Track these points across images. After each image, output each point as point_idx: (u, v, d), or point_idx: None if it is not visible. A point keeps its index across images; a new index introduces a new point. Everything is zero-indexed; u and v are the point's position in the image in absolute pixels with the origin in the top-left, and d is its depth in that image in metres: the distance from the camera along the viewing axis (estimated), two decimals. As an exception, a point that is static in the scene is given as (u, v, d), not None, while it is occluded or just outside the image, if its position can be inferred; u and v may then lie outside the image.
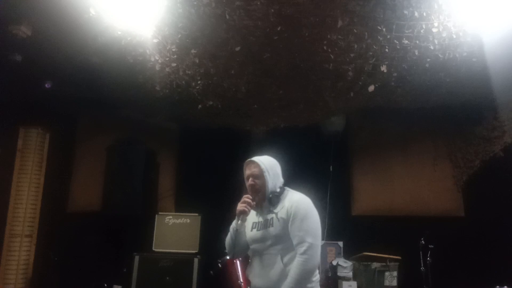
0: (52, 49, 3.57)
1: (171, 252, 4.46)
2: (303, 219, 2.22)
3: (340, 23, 2.84)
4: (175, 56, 3.36)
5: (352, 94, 3.77)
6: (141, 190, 4.84)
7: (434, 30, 2.93)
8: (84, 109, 5.21)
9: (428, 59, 3.27)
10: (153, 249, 4.52)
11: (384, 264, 4.17)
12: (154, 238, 4.55)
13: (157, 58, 3.39)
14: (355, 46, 3.08)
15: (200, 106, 4.07)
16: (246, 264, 3.65)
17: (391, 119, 4.92)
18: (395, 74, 3.48)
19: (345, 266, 4.21)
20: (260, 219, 2.33)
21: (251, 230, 2.35)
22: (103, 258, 4.65)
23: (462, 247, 4.42)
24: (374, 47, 3.10)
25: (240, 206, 2.30)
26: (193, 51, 3.29)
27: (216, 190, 4.85)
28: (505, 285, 3.49)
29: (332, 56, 3.18)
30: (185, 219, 4.63)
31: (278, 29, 2.93)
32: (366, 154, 5.19)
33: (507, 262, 4.00)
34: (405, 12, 2.77)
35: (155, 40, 3.21)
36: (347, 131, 5.16)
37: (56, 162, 4.99)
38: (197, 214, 4.64)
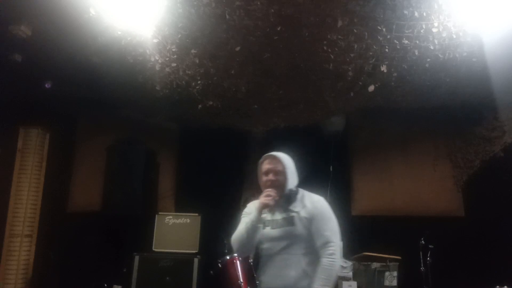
0: (52, 49, 3.57)
1: (171, 252, 4.46)
2: (328, 220, 2.20)
3: (340, 23, 2.84)
4: (175, 56, 3.36)
5: (352, 94, 3.77)
6: (141, 190, 4.84)
7: (434, 30, 2.93)
8: (84, 109, 5.20)
9: (428, 59, 3.27)
10: (153, 249, 4.52)
11: (384, 264, 4.17)
12: (154, 238, 4.55)
13: (157, 58, 3.39)
14: (355, 46, 3.08)
15: (200, 106, 4.07)
16: (246, 264, 3.65)
17: (391, 119, 4.91)
18: (395, 74, 3.48)
19: (345, 266, 4.21)
20: (276, 217, 2.25)
21: (264, 228, 2.25)
22: (103, 258, 4.65)
23: (462, 247, 4.42)
24: (374, 47, 3.10)
25: (264, 199, 2.18)
26: (193, 51, 3.29)
27: (216, 190, 4.85)
28: (505, 285, 3.49)
29: (332, 56, 3.18)
30: (185, 219, 4.63)
31: (278, 29, 2.93)
32: (366, 154, 5.19)
33: (507, 262, 4.00)
34: (405, 12, 2.77)
35: (155, 40, 3.21)
36: (347, 131, 5.16)
37: (56, 162, 4.99)
38: (197, 214, 4.64)
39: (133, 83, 3.88)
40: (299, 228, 2.17)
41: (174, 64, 3.46)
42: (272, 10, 2.77)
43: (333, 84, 3.66)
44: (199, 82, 3.71)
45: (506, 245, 4.17)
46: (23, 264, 4.53)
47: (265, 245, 2.25)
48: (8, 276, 4.40)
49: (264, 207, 2.17)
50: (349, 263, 4.25)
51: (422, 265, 4.16)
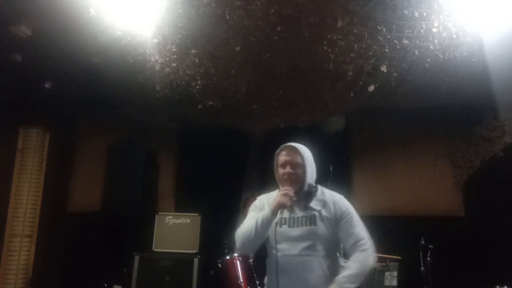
0: (52, 49, 3.58)
1: (171, 252, 4.46)
2: (354, 217, 2.11)
3: (340, 23, 2.84)
4: (175, 56, 3.36)
5: (352, 94, 3.77)
6: (141, 190, 4.84)
7: (434, 30, 2.93)
8: (84, 109, 5.21)
9: (428, 59, 3.27)
10: (153, 249, 4.52)
11: (384, 264, 4.16)
12: (154, 238, 4.55)
13: (157, 58, 3.39)
14: (355, 46, 3.08)
15: (200, 106, 4.07)
16: (246, 264, 3.65)
17: (391, 119, 4.92)
18: (395, 74, 3.48)
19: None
20: (295, 215, 2.05)
21: (280, 226, 2.02)
22: (103, 258, 4.65)
23: (462, 247, 4.42)
24: (374, 47, 3.11)
25: (282, 198, 1.95)
26: (193, 51, 3.29)
27: (216, 190, 4.85)
28: (505, 285, 3.49)
29: (332, 56, 3.18)
30: (185, 219, 4.63)
31: (278, 29, 2.93)
32: (366, 154, 5.19)
33: (507, 262, 4.00)
34: (405, 12, 2.77)
35: (155, 40, 3.21)
36: (347, 131, 5.16)
37: (56, 162, 4.99)
38: (197, 214, 4.63)
39: (133, 83, 3.88)
40: (322, 228, 2.01)
41: (174, 64, 3.46)
42: (272, 10, 2.77)
43: (333, 84, 3.66)
44: (199, 82, 3.71)
45: (506, 245, 4.17)
46: (23, 264, 4.53)
47: (282, 245, 2.01)
48: (8, 276, 4.40)
49: (280, 206, 1.96)
50: (349, 263, 4.24)
51: (422, 265, 4.16)
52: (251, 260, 3.57)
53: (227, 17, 2.84)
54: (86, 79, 4.09)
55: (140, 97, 4.26)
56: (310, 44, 3.11)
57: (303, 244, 1.99)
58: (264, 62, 3.38)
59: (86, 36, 3.26)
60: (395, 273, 4.17)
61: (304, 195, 2.08)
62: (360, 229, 2.08)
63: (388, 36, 2.99)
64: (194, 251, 4.45)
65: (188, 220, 4.63)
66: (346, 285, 1.90)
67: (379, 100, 4.13)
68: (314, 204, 2.08)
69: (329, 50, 3.13)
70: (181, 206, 5.13)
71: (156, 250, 4.51)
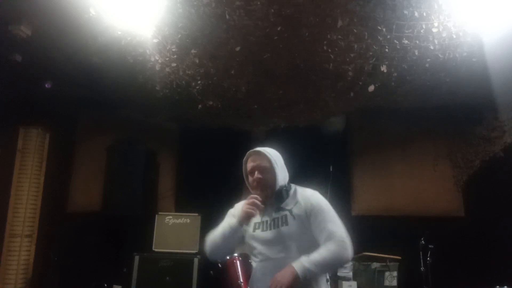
0: (52, 49, 3.58)
1: (171, 252, 4.45)
2: (327, 212, 1.98)
3: (340, 23, 2.84)
4: (175, 56, 3.36)
5: (352, 94, 3.77)
6: (141, 190, 4.84)
7: (434, 30, 2.93)
8: (84, 109, 5.21)
9: (428, 59, 3.27)
10: (153, 249, 4.52)
11: (384, 264, 4.17)
12: (154, 238, 4.55)
13: (157, 58, 3.39)
14: (355, 46, 3.08)
15: (200, 106, 4.07)
16: (246, 264, 3.65)
17: (391, 119, 4.92)
18: (395, 74, 3.48)
19: (345, 266, 4.21)
20: (266, 218, 2.02)
21: (254, 231, 2.02)
22: (103, 258, 4.64)
23: (462, 247, 4.42)
24: (374, 47, 3.10)
25: (247, 208, 1.92)
26: (193, 51, 3.29)
27: (216, 190, 4.85)
28: (505, 285, 3.49)
29: (332, 56, 3.18)
30: (185, 219, 4.63)
31: (278, 29, 2.93)
32: (366, 154, 5.19)
33: (507, 262, 4.00)
34: (405, 12, 2.77)
35: (155, 40, 3.21)
36: (347, 131, 5.16)
37: (56, 162, 4.99)
38: (197, 214, 4.63)
39: (133, 83, 3.88)
40: (293, 227, 1.95)
41: (174, 64, 3.46)
42: (272, 10, 2.76)
43: (333, 84, 3.66)
44: (199, 82, 3.71)
45: (506, 245, 4.17)
46: (23, 264, 4.53)
47: (257, 250, 2.00)
48: (8, 276, 4.40)
49: (247, 217, 1.92)
50: (349, 263, 4.25)
51: (422, 265, 4.16)
52: (251, 260, 3.57)
53: (227, 17, 2.84)
54: (86, 79, 4.09)
55: (140, 97, 4.26)
56: (310, 44, 3.11)
57: (277, 247, 1.95)
58: (264, 62, 3.38)
59: (86, 36, 3.26)
60: (395, 273, 4.17)
61: (276, 197, 2.03)
62: (333, 224, 1.97)
63: (388, 36, 2.99)
64: (194, 251, 4.45)
65: (188, 220, 4.62)
66: (308, 265, 1.81)
67: (379, 100, 4.13)
68: (285, 204, 2.03)
69: (329, 50, 3.13)
70: (181, 206, 5.13)
71: (156, 250, 4.51)
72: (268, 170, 2.04)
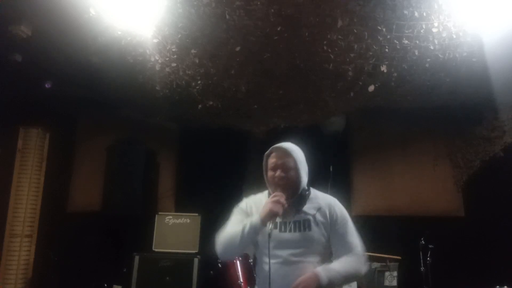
0: (52, 49, 3.58)
1: (171, 252, 4.46)
2: (349, 224, 1.96)
3: (340, 23, 2.84)
4: (175, 56, 3.36)
5: (352, 94, 3.77)
6: (141, 190, 4.84)
7: (434, 30, 2.93)
8: (84, 109, 5.21)
9: (428, 59, 3.27)
10: (153, 249, 4.52)
11: (384, 264, 4.16)
12: (154, 238, 4.55)
13: (157, 58, 3.39)
14: (355, 46, 3.08)
15: (200, 106, 4.07)
16: (246, 264, 3.65)
17: (391, 119, 4.91)
18: (395, 74, 3.48)
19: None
20: (288, 219, 1.93)
21: (271, 231, 1.88)
22: (103, 258, 4.64)
23: (462, 247, 4.42)
24: (374, 47, 3.10)
25: (273, 206, 1.81)
26: (193, 51, 3.29)
27: (216, 190, 4.85)
28: (505, 285, 3.49)
29: (332, 56, 3.18)
30: (185, 219, 4.63)
31: (278, 29, 2.93)
32: (366, 154, 5.19)
33: (507, 262, 4.00)
34: (405, 12, 2.77)
35: (155, 40, 3.21)
36: (347, 131, 5.16)
37: (56, 162, 4.99)
38: (197, 214, 4.64)
39: (133, 83, 3.88)
40: (316, 233, 1.90)
41: (174, 64, 3.46)
42: (272, 10, 2.77)
43: (333, 84, 3.66)
44: (199, 82, 3.71)
45: (506, 245, 4.17)
46: (23, 264, 4.53)
47: (273, 251, 1.88)
48: (8, 276, 4.40)
49: (272, 215, 1.82)
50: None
51: (422, 265, 4.16)
52: (251, 260, 3.57)
53: (227, 17, 2.84)
54: (86, 79, 4.09)
55: (140, 97, 4.26)
56: (310, 44, 3.11)
57: (296, 250, 1.89)
58: (264, 62, 3.38)
59: (86, 36, 3.26)
60: (395, 273, 4.17)
61: (297, 199, 1.95)
62: (355, 238, 1.95)
63: (388, 36, 2.99)
64: (194, 251, 4.45)
65: (188, 220, 4.63)
66: (332, 274, 1.79)
67: (379, 100, 4.13)
68: (307, 208, 1.95)
69: (329, 50, 3.13)
70: (181, 206, 5.13)
71: (156, 250, 4.51)
72: (292, 170, 1.95)
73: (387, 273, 4.15)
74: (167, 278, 4.29)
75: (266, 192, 2.06)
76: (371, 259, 4.23)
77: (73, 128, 5.45)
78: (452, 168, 5.05)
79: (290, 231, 1.91)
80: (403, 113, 4.63)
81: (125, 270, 4.40)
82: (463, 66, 3.38)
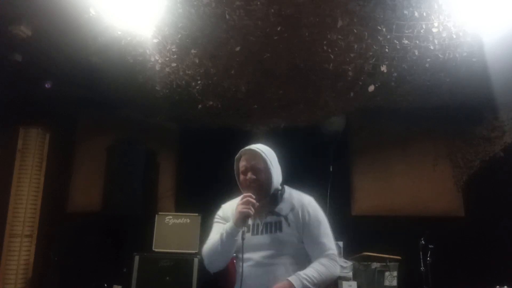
0: (52, 49, 3.58)
1: (171, 252, 4.45)
2: (323, 224, 1.92)
3: (340, 23, 2.84)
4: (175, 56, 3.36)
5: (352, 94, 3.77)
6: (141, 190, 4.84)
7: (434, 30, 2.93)
8: (84, 109, 5.21)
9: (428, 59, 3.27)
10: (153, 249, 4.52)
11: (384, 264, 4.16)
12: (154, 238, 4.55)
13: (157, 58, 3.39)
14: (355, 46, 3.08)
15: (200, 106, 4.07)
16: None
17: (391, 119, 4.92)
18: (395, 74, 3.48)
19: (345, 266, 4.21)
20: (258, 221, 1.92)
21: (244, 234, 1.89)
22: (103, 258, 4.65)
23: (462, 247, 4.42)
24: (374, 47, 3.10)
25: (242, 208, 1.81)
26: (193, 51, 3.29)
27: (216, 190, 4.83)
28: (505, 285, 3.49)
29: (332, 56, 3.18)
30: (185, 219, 4.63)
31: (278, 29, 2.93)
32: (366, 154, 5.19)
33: (507, 262, 4.00)
34: (405, 12, 2.77)
35: (155, 40, 3.21)
36: (347, 131, 5.16)
37: (56, 162, 4.99)
38: (197, 214, 4.63)
39: (133, 83, 3.88)
40: (287, 234, 1.87)
41: (174, 64, 3.46)
42: (272, 10, 2.76)
43: (333, 84, 3.66)
44: (199, 82, 3.71)
45: (506, 245, 4.18)
46: (23, 264, 4.53)
47: (246, 254, 1.87)
48: (8, 276, 4.40)
49: (243, 217, 1.80)
50: (349, 263, 4.25)
51: (422, 265, 4.16)
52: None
53: (227, 17, 2.84)
54: (86, 79, 4.09)
55: (140, 97, 4.25)
56: (310, 44, 3.10)
57: (267, 252, 1.86)
58: (264, 62, 3.38)
59: (86, 36, 3.26)
60: (395, 273, 4.17)
61: (269, 200, 1.93)
62: (328, 239, 1.90)
63: (388, 36, 2.99)
64: (194, 251, 4.45)
65: (188, 220, 4.62)
66: (306, 281, 1.76)
67: (379, 100, 4.13)
68: (280, 208, 1.92)
69: (329, 50, 3.12)
70: (181, 206, 5.13)
71: (156, 250, 4.51)
72: (262, 171, 1.93)
73: (387, 273, 4.15)
74: (167, 278, 4.29)
75: (241, 197, 2.01)
76: (371, 259, 4.23)
77: (73, 128, 5.45)
78: (452, 168, 5.05)
79: (261, 233, 1.89)
80: (403, 113, 4.63)
81: (125, 270, 4.40)
82: (463, 66, 3.38)
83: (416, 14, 2.78)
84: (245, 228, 1.83)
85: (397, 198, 4.98)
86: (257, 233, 1.90)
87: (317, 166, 4.96)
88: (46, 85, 4.24)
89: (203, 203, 4.78)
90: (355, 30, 2.93)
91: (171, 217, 4.67)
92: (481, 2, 2.84)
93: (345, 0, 2.70)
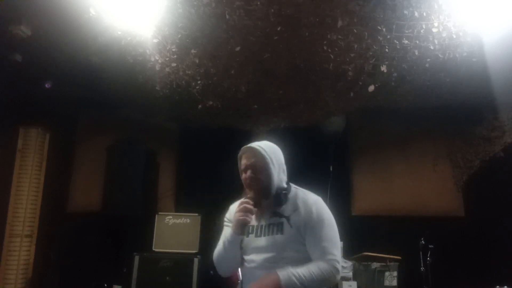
0: (52, 49, 3.58)
1: (171, 252, 4.45)
2: (326, 226, 1.79)
3: (340, 23, 2.84)
4: (175, 56, 3.36)
5: (352, 94, 3.77)
6: (141, 190, 4.84)
7: (434, 30, 2.93)
8: (84, 109, 5.21)
9: (428, 59, 3.27)
10: (153, 249, 4.52)
11: (384, 264, 4.16)
12: (154, 238, 4.55)
13: (157, 58, 3.39)
14: (355, 46, 3.08)
15: (200, 106, 4.07)
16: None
17: (391, 119, 4.92)
18: (395, 74, 3.49)
19: (345, 266, 4.21)
20: (262, 222, 1.84)
21: (247, 236, 1.83)
22: (103, 258, 4.64)
23: (462, 247, 4.42)
24: (374, 47, 3.11)
25: (239, 216, 1.74)
26: (193, 51, 3.29)
27: (216, 190, 4.85)
28: (505, 285, 3.49)
29: (332, 56, 3.18)
30: (185, 219, 4.63)
31: (278, 29, 2.93)
32: (366, 154, 5.19)
33: (507, 262, 4.00)
34: (405, 12, 2.77)
35: (155, 40, 3.21)
36: (347, 131, 5.16)
37: (56, 162, 4.99)
38: (197, 214, 4.63)
39: (133, 83, 3.88)
40: (289, 236, 1.77)
41: (174, 64, 3.46)
42: (272, 10, 2.77)
43: (333, 84, 3.66)
44: (199, 82, 3.71)
45: (506, 245, 4.18)
46: (23, 264, 4.53)
47: (249, 256, 1.82)
48: (8, 276, 4.40)
49: (241, 225, 1.74)
50: (349, 263, 4.25)
51: (422, 265, 4.16)
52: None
53: (227, 17, 2.84)
54: (86, 79, 4.09)
55: (140, 97, 4.26)
56: (310, 44, 3.11)
57: (268, 255, 1.77)
58: (264, 62, 3.38)
59: (86, 36, 3.26)
60: (395, 273, 4.17)
61: (273, 200, 1.83)
62: (330, 244, 1.76)
63: (388, 36, 2.99)
64: (194, 251, 4.45)
65: (188, 220, 4.62)
66: (294, 277, 1.65)
67: (379, 100, 4.13)
68: (284, 209, 1.81)
69: (329, 50, 3.13)
70: (181, 206, 5.13)
71: (156, 250, 4.51)
72: (261, 169, 1.83)
73: (387, 273, 4.15)
74: (167, 278, 4.29)
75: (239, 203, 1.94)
76: (371, 259, 4.23)
77: (73, 128, 5.45)
78: (452, 168, 5.05)
79: (264, 235, 1.81)
80: (403, 113, 4.64)
81: (125, 270, 4.39)
82: (463, 66, 3.38)
83: (416, 14, 2.79)
84: (244, 236, 1.78)
85: (397, 198, 4.98)
86: (260, 235, 1.82)
87: (317, 166, 4.96)
88: (46, 85, 4.24)
89: (203, 203, 4.79)
90: (355, 30, 2.93)
91: (171, 217, 4.67)
92: (481, 2, 2.84)
93: (345, 0, 2.70)
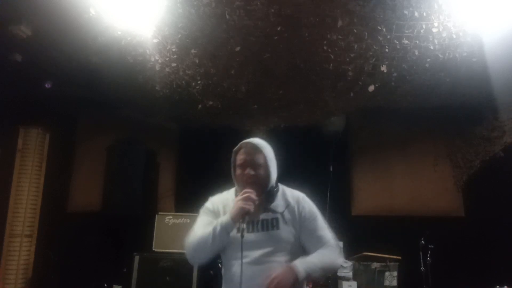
0: (52, 49, 3.58)
1: (171, 252, 4.45)
2: (317, 218, 1.90)
3: (340, 23, 2.84)
4: (175, 56, 3.37)
5: (352, 94, 3.77)
6: (141, 190, 4.84)
7: (434, 30, 2.93)
8: (84, 109, 5.21)
9: (428, 59, 3.27)
10: (153, 249, 4.52)
11: (384, 264, 4.16)
12: (154, 238, 4.55)
13: (157, 58, 3.39)
14: (355, 46, 3.08)
15: (200, 106, 4.07)
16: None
17: (391, 119, 4.91)
18: (395, 74, 3.49)
19: (345, 266, 4.21)
20: (253, 218, 1.85)
21: (238, 231, 1.81)
22: (103, 258, 4.64)
23: (462, 247, 4.42)
24: (374, 47, 3.11)
25: (243, 204, 1.75)
26: (193, 51, 3.29)
27: (216, 190, 4.83)
28: (505, 285, 3.49)
29: (332, 56, 3.18)
30: (185, 219, 4.63)
31: (278, 29, 2.93)
32: (366, 154, 5.19)
33: (507, 262, 4.00)
34: (405, 12, 2.78)
35: (155, 40, 3.21)
36: (347, 131, 5.16)
37: (56, 162, 4.99)
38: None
39: (133, 83, 3.88)
40: (284, 231, 1.83)
41: (174, 64, 3.47)
42: (272, 10, 2.77)
43: (333, 84, 3.66)
44: (199, 82, 3.71)
45: (506, 245, 4.17)
46: (23, 264, 4.53)
47: (244, 252, 1.81)
48: (8, 276, 4.40)
49: (243, 213, 1.74)
50: (349, 263, 4.25)
51: (422, 265, 4.16)
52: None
53: (227, 17, 2.84)
54: (86, 79, 4.09)
55: (140, 97, 4.26)
56: (310, 44, 3.11)
57: (264, 250, 1.80)
58: (264, 62, 3.38)
59: (86, 36, 3.26)
60: (395, 273, 4.17)
61: (265, 197, 1.87)
62: (325, 232, 1.89)
63: (388, 36, 2.99)
64: (194, 251, 4.44)
65: (188, 220, 4.62)
66: (309, 267, 1.73)
67: (379, 100, 4.13)
68: (276, 205, 1.87)
69: (329, 50, 3.13)
70: (181, 206, 5.13)
71: (156, 250, 4.51)
72: (262, 167, 1.88)
73: (387, 273, 4.15)
74: (167, 278, 4.28)
75: (232, 190, 2.00)
76: (371, 259, 4.23)
77: (73, 128, 5.45)
78: (452, 168, 5.05)
79: (258, 230, 1.84)
80: (403, 113, 4.63)
81: (125, 270, 4.39)
82: (463, 66, 3.39)
83: (416, 14, 2.79)
84: (244, 225, 1.77)
85: (397, 198, 4.98)
86: (253, 231, 1.83)
87: (317, 166, 4.96)
88: (46, 85, 4.24)
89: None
90: (355, 30, 2.93)
91: (171, 217, 4.66)
92: (481, 2, 2.84)
93: (345, 0, 2.70)
